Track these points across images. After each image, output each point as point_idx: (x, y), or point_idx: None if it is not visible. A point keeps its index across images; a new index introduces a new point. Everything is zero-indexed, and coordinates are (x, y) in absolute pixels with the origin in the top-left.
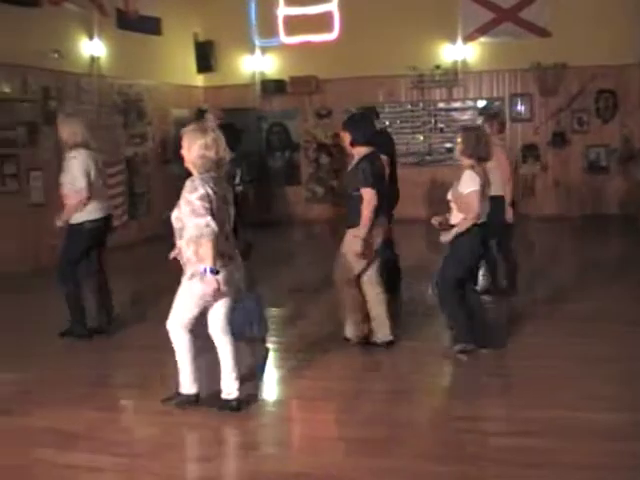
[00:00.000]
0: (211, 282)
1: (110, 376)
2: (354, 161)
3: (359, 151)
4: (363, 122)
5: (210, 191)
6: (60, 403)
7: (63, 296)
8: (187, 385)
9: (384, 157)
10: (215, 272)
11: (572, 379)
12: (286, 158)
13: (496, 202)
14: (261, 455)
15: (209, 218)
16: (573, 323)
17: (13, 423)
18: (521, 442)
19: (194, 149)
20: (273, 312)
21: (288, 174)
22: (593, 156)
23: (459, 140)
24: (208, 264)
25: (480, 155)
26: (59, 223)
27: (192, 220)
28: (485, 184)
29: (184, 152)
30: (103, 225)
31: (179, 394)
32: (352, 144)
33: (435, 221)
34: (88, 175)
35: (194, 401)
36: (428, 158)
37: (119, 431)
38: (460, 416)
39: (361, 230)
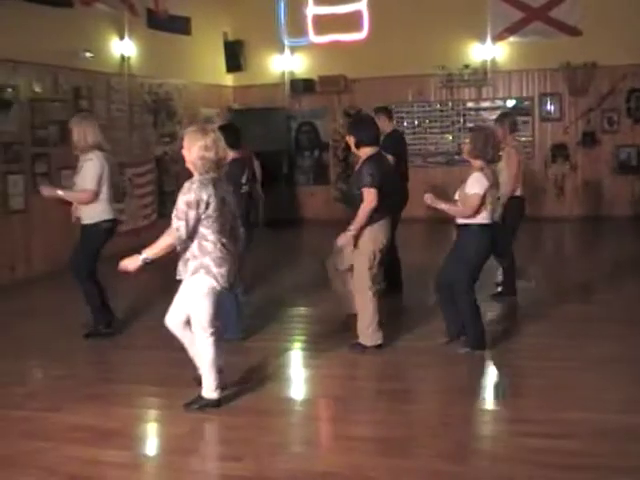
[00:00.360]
0: (135, 262)
1: (140, 374)
2: (360, 162)
3: (364, 152)
4: (364, 123)
5: (205, 195)
6: (90, 400)
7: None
8: (210, 389)
9: (389, 157)
10: (149, 262)
11: (597, 380)
12: (315, 157)
13: (510, 202)
14: (288, 454)
15: (182, 224)
16: (596, 323)
17: (44, 419)
18: (553, 443)
19: (194, 150)
20: (300, 311)
21: (317, 173)
22: (624, 156)
23: (467, 140)
24: (149, 253)
25: (487, 157)
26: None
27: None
28: (494, 186)
29: (185, 152)
30: (114, 226)
31: (201, 398)
32: (357, 146)
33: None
34: (100, 178)
35: (216, 406)
36: (457, 158)
37: (149, 428)
38: (485, 417)
39: (354, 226)
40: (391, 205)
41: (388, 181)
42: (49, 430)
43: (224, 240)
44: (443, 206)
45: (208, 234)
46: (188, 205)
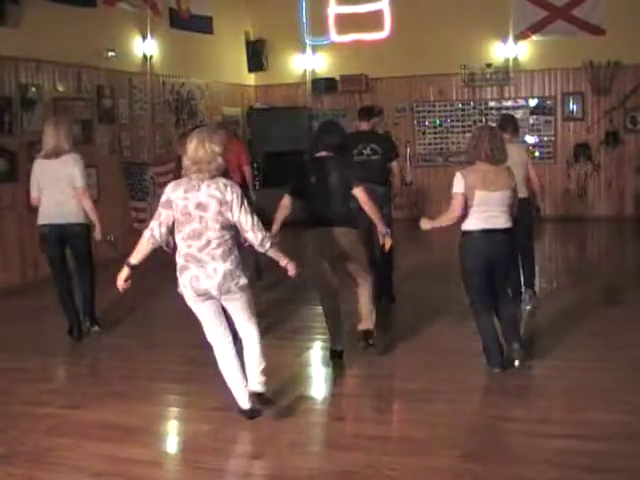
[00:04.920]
0: (123, 272)
1: (162, 372)
2: None
3: None
4: (318, 130)
5: (174, 196)
6: (113, 397)
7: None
8: (240, 400)
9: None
10: (130, 266)
11: (621, 381)
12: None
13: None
14: (308, 453)
15: (155, 224)
16: (621, 324)
17: (67, 416)
18: (576, 445)
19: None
20: (320, 309)
21: None
22: None
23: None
24: (133, 258)
25: (476, 157)
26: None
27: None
28: (486, 187)
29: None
30: (50, 232)
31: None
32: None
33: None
34: (34, 183)
35: (247, 416)
36: None
37: (172, 426)
38: (508, 417)
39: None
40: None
41: (309, 190)
42: (73, 427)
43: (188, 247)
44: (435, 223)
45: (176, 239)
46: (162, 205)
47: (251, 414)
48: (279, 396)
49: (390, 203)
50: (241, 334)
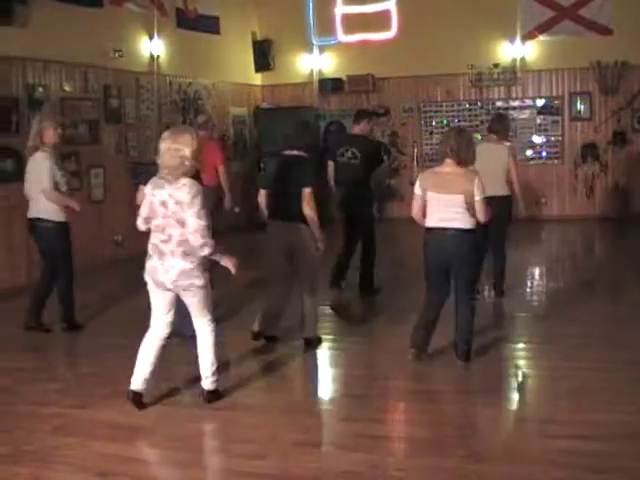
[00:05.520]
0: None
1: (167, 370)
2: None
3: None
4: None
5: (147, 192)
6: (119, 397)
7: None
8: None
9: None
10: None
11: (627, 381)
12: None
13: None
14: (313, 452)
15: (139, 218)
16: (626, 324)
17: (74, 415)
18: (582, 445)
19: None
20: (326, 310)
21: None
22: None
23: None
24: None
25: (440, 156)
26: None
27: None
28: (438, 189)
29: None
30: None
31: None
32: None
33: None
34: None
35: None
36: None
37: (179, 426)
38: (514, 417)
39: None
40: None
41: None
42: (79, 427)
43: (154, 238)
44: None
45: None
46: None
47: (132, 397)
48: (284, 396)
49: (370, 204)
50: (195, 329)
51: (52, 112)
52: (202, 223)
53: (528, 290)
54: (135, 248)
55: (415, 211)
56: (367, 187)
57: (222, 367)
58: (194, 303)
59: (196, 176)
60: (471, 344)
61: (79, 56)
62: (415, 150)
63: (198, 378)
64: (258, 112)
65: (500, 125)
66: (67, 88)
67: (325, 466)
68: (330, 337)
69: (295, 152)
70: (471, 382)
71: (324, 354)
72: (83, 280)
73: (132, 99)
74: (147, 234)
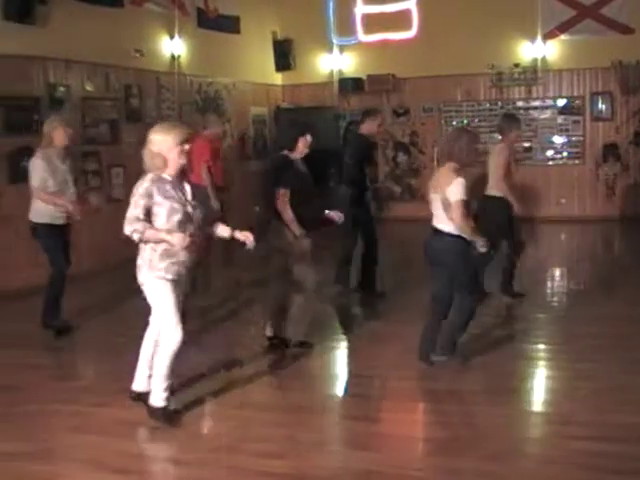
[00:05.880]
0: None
1: (188, 369)
2: None
3: None
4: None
5: None
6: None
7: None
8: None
9: None
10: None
11: None
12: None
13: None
14: (330, 452)
15: None
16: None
17: (94, 413)
18: (602, 447)
19: None
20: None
21: None
22: None
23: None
24: None
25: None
26: None
27: None
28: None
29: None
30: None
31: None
32: None
33: None
34: None
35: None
36: None
37: (196, 424)
38: (534, 418)
39: None
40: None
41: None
42: (98, 425)
43: None
44: None
45: None
46: None
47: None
48: (301, 395)
49: (364, 204)
50: None
51: (61, 114)
52: (129, 211)
53: (548, 290)
54: None
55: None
56: (361, 187)
57: (235, 365)
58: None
59: (183, 174)
60: (445, 345)
61: (100, 56)
62: (435, 150)
63: (215, 376)
64: (278, 112)
65: (502, 124)
66: (88, 88)
67: (342, 466)
68: (343, 337)
69: (284, 152)
70: (489, 382)
71: (338, 354)
72: (102, 277)
73: (153, 99)
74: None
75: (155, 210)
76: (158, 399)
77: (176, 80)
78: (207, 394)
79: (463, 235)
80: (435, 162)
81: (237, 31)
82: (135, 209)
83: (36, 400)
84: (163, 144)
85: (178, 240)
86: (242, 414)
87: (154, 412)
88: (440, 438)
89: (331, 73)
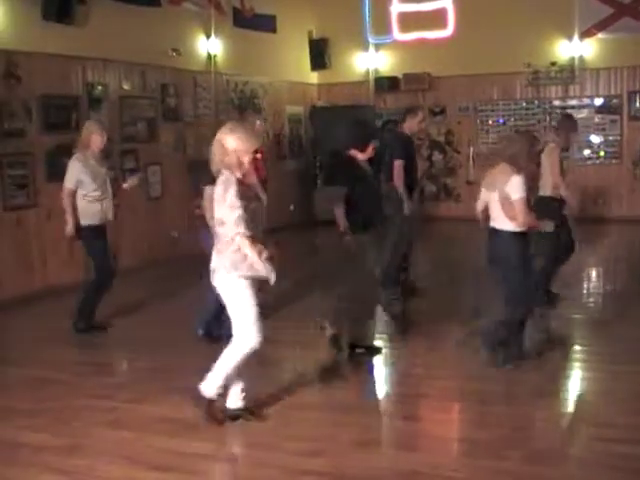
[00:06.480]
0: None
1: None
2: None
3: None
4: None
5: None
6: (175, 392)
7: None
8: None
9: None
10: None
11: None
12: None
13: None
14: (368, 452)
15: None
16: None
17: (130, 410)
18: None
19: None
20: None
21: None
22: None
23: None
24: None
25: None
26: None
27: None
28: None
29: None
30: None
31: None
32: None
33: None
34: None
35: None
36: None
37: (234, 422)
38: (572, 420)
39: None
40: None
41: None
42: (134, 421)
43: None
44: None
45: None
46: None
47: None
48: (340, 394)
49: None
50: None
51: (99, 118)
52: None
53: (584, 291)
54: (190, 245)
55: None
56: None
57: (280, 363)
58: None
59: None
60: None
61: (137, 55)
62: (471, 149)
63: (254, 374)
64: (314, 111)
65: (559, 124)
66: (126, 87)
67: (381, 465)
68: (387, 336)
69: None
70: (528, 384)
71: (383, 352)
72: (139, 276)
73: (189, 97)
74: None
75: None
76: (210, 389)
77: (212, 79)
78: (249, 391)
79: (524, 230)
80: (471, 161)
81: (273, 30)
82: (237, 210)
83: (73, 395)
84: (241, 146)
85: (261, 253)
86: (282, 412)
87: (201, 400)
88: (480, 439)
89: (367, 72)
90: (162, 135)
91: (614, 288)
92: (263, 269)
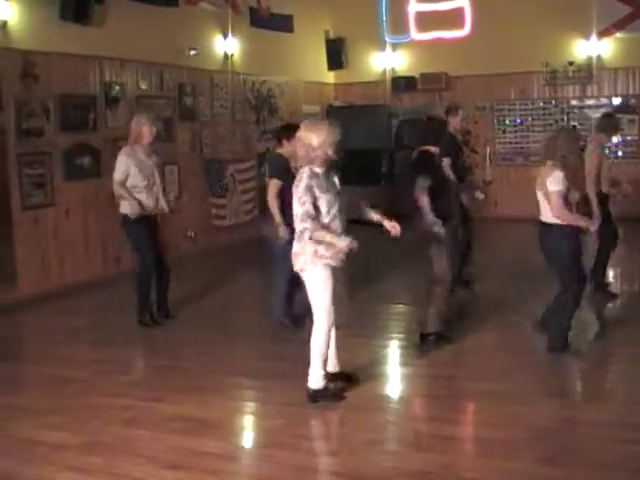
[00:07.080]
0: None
1: (241, 365)
2: None
3: None
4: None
5: None
6: (191, 391)
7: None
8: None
9: None
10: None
11: None
12: (416, 154)
13: None
14: (383, 451)
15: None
16: None
17: (146, 408)
18: None
19: None
20: (399, 308)
21: None
22: None
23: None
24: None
25: None
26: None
27: None
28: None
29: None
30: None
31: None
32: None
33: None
34: None
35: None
36: None
37: (247, 421)
38: (588, 421)
39: None
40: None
41: None
42: (151, 419)
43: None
44: None
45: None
46: None
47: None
48: (355, 394)
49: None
50: None
51: (149, 112)
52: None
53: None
54: (207, 244)
55: None
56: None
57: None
58: None
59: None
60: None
61: (155, 55)
62: (488, 149)
63: (268, 372)
64: (331, 110)
65: (599, 123)
66: (143, 86)
67: (396, 465)
68: (401, 336)
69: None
70: (547, 384)
71: (397, 353)
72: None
73: (206, 97)
74: (220, 230)
75: (317, 204)
76: (317, 381)
77: (229, 79)
78: (264, 389)
79: (571, 223)
80: (488, 161)
81: (290, 30)
82: (303, 206)
83: (91, 393)
84: (326, 140)
85: (346, 244)
86: (296, 411)
87: (315, 394)
88: (494, 439)
89: (383, 71)
90: (179, 135)
91: (631, 289)
92: (339, 241)
